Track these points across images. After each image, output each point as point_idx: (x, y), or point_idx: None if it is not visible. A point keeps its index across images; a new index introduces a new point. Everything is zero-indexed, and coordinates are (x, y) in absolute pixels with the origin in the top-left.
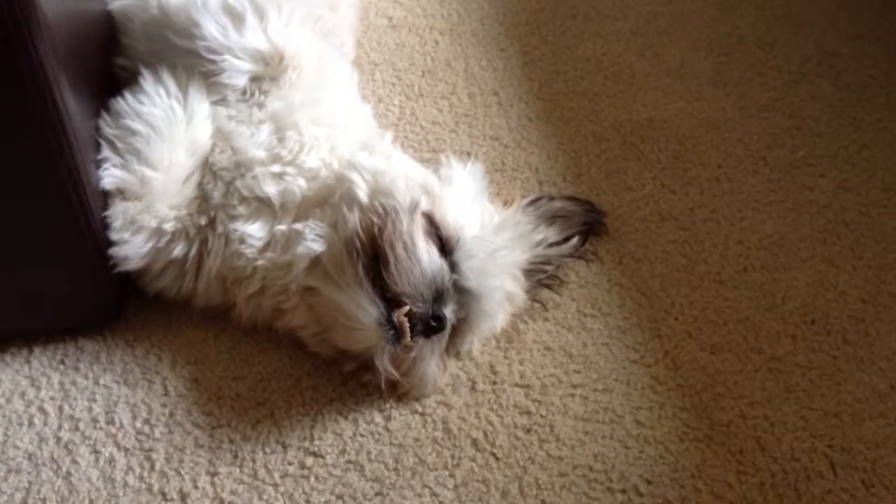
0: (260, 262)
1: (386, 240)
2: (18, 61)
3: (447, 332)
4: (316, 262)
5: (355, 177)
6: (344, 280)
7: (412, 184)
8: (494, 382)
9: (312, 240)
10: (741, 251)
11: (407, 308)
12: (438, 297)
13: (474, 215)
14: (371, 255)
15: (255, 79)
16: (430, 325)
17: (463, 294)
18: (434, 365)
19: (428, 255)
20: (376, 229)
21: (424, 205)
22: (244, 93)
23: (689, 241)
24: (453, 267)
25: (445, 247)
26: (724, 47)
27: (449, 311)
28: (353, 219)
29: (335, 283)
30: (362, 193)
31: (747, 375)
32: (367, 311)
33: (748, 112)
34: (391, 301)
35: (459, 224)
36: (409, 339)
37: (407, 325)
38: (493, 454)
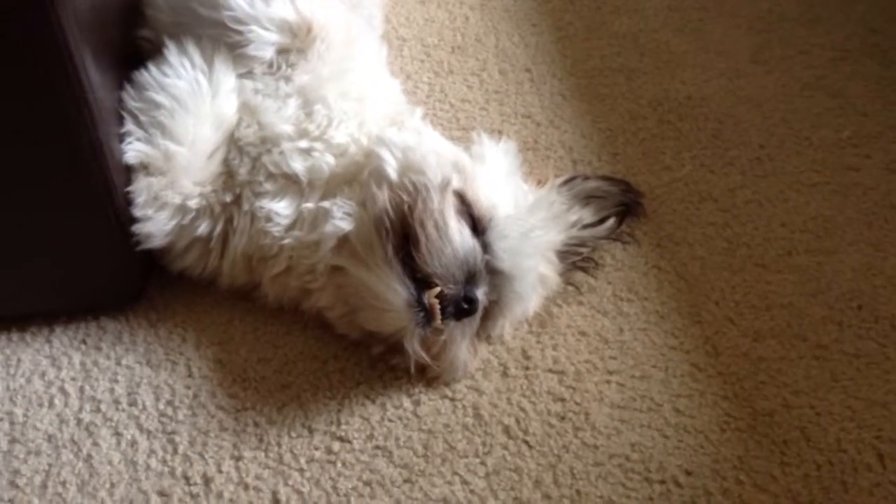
0: (286, 241)
1: (416, 218)
2: (39, 30)
3: (479, 314)
4: (344, 241)
5: (385, 153)
6: (373, 260)
7: (443, 161)
8: (527, 368)
9: (340, 218)
10: (784, 234)
11: (438, 289)
12: (470, 279)
13: (508, 194)
14: (401, 234)
15: (282, 51)
16: (461, 308)
17: (495, 275)
18: (464, 349)
19: (460, 234)
20: (406, 207)
21: (456, 183)
22: (271, 66)
23: (729, 224)
24: (486, 247)
25: (478, 226)
26: (765, 24)
27: (481, 293)
28: (383, 196)
29: (363, 262)
30: (392, 170)
31: (791, 363)
32: (396, 291)
33: (791, 90)
34: (421, 282)
35: (492, 203)
36: (439, 321)
37: (437, 307)
38: (526, 441)
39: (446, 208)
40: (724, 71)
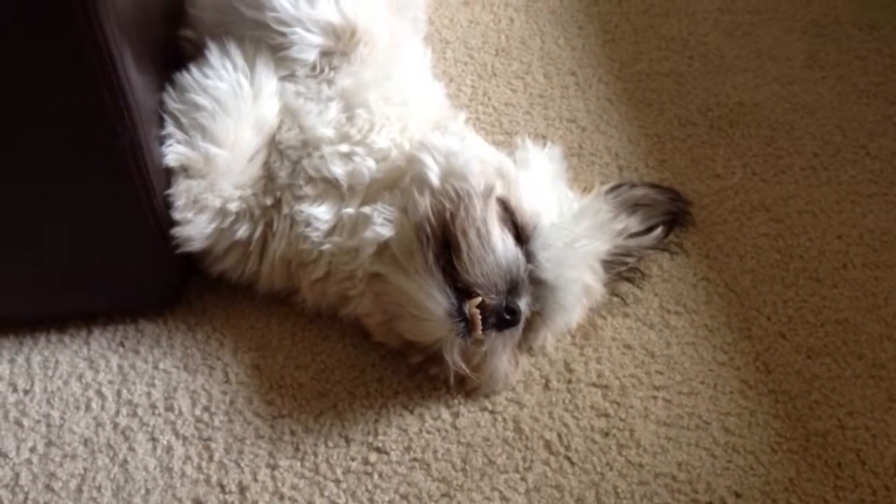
0: (326, 247)
1: (458, 226)
2: (79, 30)
3: (521, 326)
4: (384, 247)
5: (427, 158)
6: (413, 267)
7: (487, 167)
8: (570, 381)
9: (381, 224)
10: (840, 246)
11: (479, 299)
12: (513, 289)
13: (552, 202)
14: (442, 241)
15: (326, 54)
16: (503, 319)
17: (538, 286)
18: (505, 360)
19: (503, 243)
20: (448, 214)
21: (499, 189)
22: (313, 68)
23: (782, 235)
24: (529, 256)
25: (521, 235)
26: (820, 28)
27: (523, 304)
28: (424, 203)
29: (404, 270)
30: (434, 176)
31: (846, 382)
32: (436, 300)
33: (846, 97)
34: (462, 291)
35: (536, 211)
36: (480, 332)
37: (479, 317)
38: (568, 458)
39: (489, 216)
40: (777, 76)
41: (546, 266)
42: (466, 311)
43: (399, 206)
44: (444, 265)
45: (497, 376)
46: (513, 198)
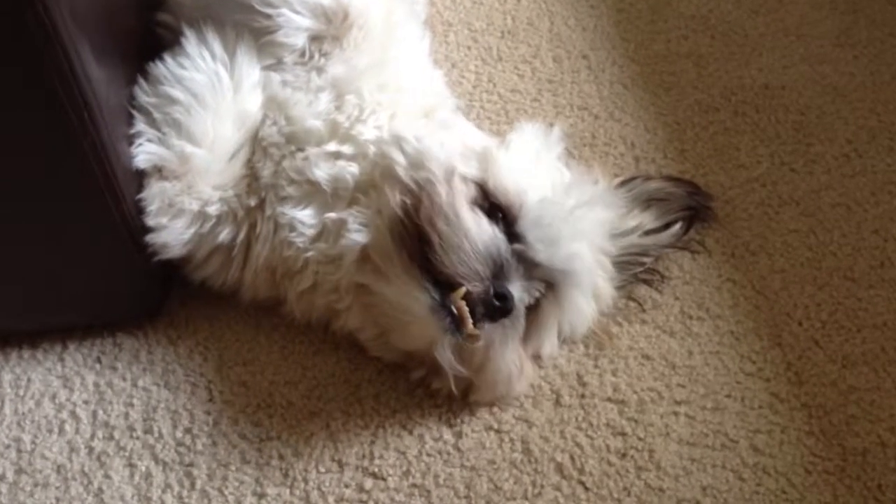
0: (311, 254)
1: (424, 217)
2: (25, 21)
3: (521, 316)
4: (366, 255)
5: (394, 152)
6: (392, 271)
7: (468, 152)
8: (583, 396)
9: (356, 230)
10: (877, 243)
11: (463, 290)
12: (499, 273)
13: (541, 176)
14: (417, 237)
15: (316, 38)
16: (493, 306)
17: (536, 269)
18: (508, 358)
19: (477, 225)
20: (412, 207)
21: (475, 172)
22: (302, 55)
23: (814, 230)
24: (519, 238)
25: (507, 216)
26: (851, 2)
27: (515, 288)
28: (395, 200)
29: (385, 276)
30: (401, 169)
31: (886, 394)
32: (417, 299)
33: (881, 78)
34: (446, 286)
35: (521, 188)
36: (470, 325)
37: (466, 309)
38: (582, 482)
39: (456, 199)
40: (806, 56)
41: (538, 246)
42: (451, 305)
43: (375, 207)
44: (423, 262)
45: (501, 377)
46: (491, 179)
